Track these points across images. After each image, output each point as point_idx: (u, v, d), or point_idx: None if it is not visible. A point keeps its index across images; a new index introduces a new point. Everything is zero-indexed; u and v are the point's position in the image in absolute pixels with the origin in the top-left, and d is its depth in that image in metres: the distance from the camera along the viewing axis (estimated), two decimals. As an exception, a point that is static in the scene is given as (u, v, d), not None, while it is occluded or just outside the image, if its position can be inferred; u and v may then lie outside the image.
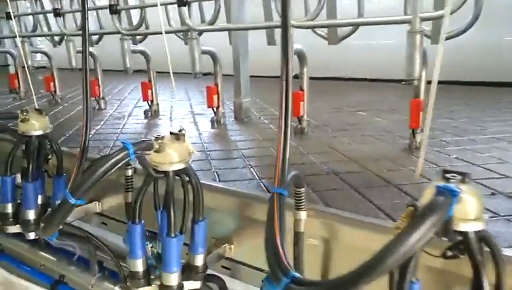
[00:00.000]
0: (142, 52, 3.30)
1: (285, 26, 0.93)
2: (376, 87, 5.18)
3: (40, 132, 1.49)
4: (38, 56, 5.13)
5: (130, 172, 1.50)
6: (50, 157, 1.55)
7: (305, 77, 2.60)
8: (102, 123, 3.13)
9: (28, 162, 1.45)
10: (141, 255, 1.09)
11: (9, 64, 4.72)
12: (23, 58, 3.74)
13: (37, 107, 1.55)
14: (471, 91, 4.44)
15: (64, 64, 4.29)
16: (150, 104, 3.39)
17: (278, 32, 2.95)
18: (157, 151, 1.05)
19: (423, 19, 1.95)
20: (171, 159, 1.07)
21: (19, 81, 4.46)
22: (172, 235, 1.05)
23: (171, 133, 1.11)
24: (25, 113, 1.46)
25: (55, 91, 4.16)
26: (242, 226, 1.38)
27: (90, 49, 3.85)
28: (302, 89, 2.62)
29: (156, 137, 1.08)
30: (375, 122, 3.04)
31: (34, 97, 1.59)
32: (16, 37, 3.93)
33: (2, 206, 1.49)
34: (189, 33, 2.73)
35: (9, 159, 1.48)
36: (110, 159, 0.96)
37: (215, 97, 2.97)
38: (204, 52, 2.83)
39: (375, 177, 1.76)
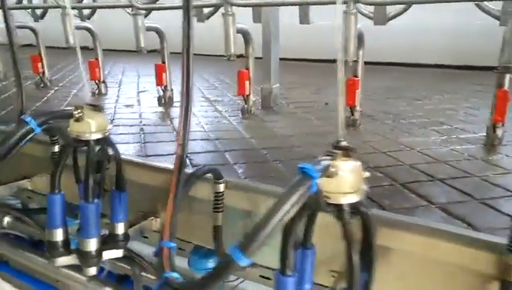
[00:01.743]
0: (156, 30, 2.88)
1: None
2: (383, 71, 4.96)
3: (98, 135, 1.12)
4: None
5: (221, 187, 1.16)
6: (108, 166, 1.19)
7: (361, 62, 2.30)
8: (113, 112, 2.72)
9: (87, 176, 1.08)
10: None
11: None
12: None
13: (88, 100, 1.17)
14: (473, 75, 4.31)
15: (48, 41, 3.79)
16: (163, 89, 2.99)
17: (312, 10, 2.64)
18: (330, 176, 0.73)
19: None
20: (344, 188, 0.75)
21: (-2, 61, 3.89)
22: (357, 295, 0.74)
23: (336, 147, 0.79)
24: (79, 110, 1.09)
25: (43, 73, 3.65)
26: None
27: (87, 24, 3.37)
28: (356, 76, 2.32)
29: (329, 154, 0.75)
30: (419, 111, 2.79)
31: (87, 84, 1.20)
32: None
33: (49, 233, 1.12)
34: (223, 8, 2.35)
35: (57, 171, 1.11)
36: (291, 194, 0.64)
37: (247, 83, 2.62)
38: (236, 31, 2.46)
39: (485, 183, 1.50)
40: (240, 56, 2.51)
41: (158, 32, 2.89)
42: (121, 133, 2.17)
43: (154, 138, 2.10)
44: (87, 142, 1.11)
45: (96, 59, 3.31)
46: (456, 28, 4.41)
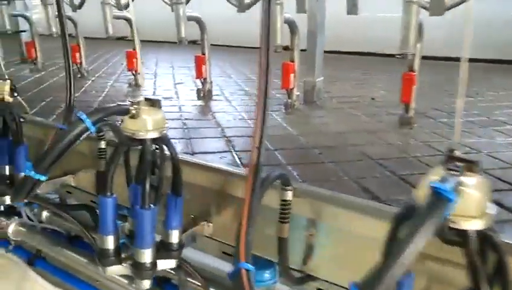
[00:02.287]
0: (197, 20, 2.77)
1: None
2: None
3: (155, 134, 1.02)
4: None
5: (290, 195, 1.04)
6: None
7: (419, 55, 2.13)
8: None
9: (143, 178, 0.99)
10: None
11: (24, 31, 4.14)
12: (48, 24, 3.18)
13: (144, 94, 1.07)
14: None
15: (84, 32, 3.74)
16: (203, 82, 2.89)
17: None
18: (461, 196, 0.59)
19: None
20: (472, 211, 0.60)
21: (35, 50, 3.89)
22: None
23: (454, 158, 0.65)
24: (135, 106, 0.99)
25: (80, 63, 3.61)
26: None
27: (127, 14, 3.29)
28: (413, 70, 2.15)
29: (451, 167, 0.62)
30: (474, 109, 2.59)
31: (140, 76, 1.10)
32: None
33: (101, 239, 1.04)
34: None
35: (110, 172, 1.01)
36: (426, 223, 0.51)
37: (291, 76, 2.48)
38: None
39: None
40: (285, 48, 2.38)
41: (199, 22, 2.79)
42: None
43: (199, 133, 2.00)
44: (142, 141, 1.01)
45: (134, 49, 3.23)
46: (494, 19, 4.15)
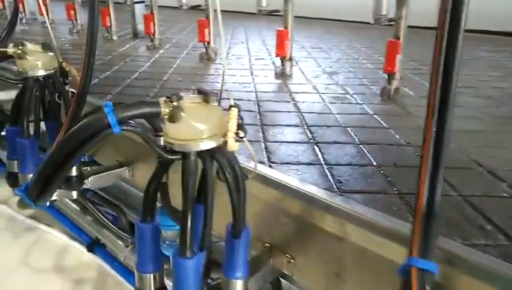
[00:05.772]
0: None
1: None
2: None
3: None
4: None
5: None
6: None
7: None
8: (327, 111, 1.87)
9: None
10: None
11: (142, 1, 3.61)
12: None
13: None
14: None
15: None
16: (390, 77, 2.06)
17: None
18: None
19: None
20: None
21: (154, 25, 3.30)
22: None
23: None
24: None
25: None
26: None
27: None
28: None
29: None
30: None
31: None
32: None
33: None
34: None
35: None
36: None
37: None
38: None
39: None
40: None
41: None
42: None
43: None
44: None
45: (286, 28, 2.48)
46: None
